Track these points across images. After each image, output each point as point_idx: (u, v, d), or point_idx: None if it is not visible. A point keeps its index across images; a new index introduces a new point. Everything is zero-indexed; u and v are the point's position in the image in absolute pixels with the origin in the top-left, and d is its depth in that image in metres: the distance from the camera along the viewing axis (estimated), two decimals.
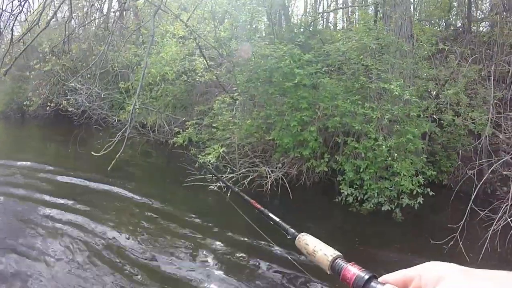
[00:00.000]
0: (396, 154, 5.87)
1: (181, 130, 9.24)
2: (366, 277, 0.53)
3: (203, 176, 7.08)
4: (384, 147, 5.80)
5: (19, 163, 9.63)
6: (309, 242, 0.67)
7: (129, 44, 13.20)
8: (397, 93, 5.87)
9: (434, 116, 7.22)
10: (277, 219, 0.85)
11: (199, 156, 7.64)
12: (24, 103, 15.88)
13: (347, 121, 6.30)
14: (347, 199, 6.25)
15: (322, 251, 0.64)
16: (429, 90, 7.57)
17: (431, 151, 7.16)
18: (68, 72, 14.41)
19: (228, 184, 6.00)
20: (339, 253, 0.62)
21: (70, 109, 13.21)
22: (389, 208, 5.92)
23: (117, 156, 5.74)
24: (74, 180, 8.18)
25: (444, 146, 7.33)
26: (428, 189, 5.82)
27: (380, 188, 6.01)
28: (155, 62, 11.22)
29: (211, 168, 7.24)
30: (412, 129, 6.01)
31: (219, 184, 6.76)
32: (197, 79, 10.55)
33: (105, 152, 5.66)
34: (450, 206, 6.28)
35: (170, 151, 9.95)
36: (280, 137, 6.80)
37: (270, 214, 0.89)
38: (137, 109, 11.55)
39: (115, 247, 5.22)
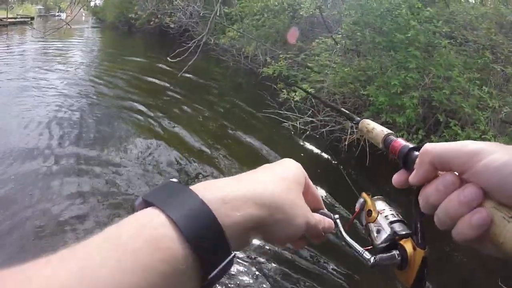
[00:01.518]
0: None
1: (273, 62, 8.94)
2: (411, 146, 0.56)
3: (282, 112, 6.96)
4: None
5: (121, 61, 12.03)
6: (370, 123, 0.72)
7: None
8: None
9: None
10: (346, 111, 0.93)
11: (284, 90, 7.35)
12: (130, 15, 16.79)
13: (456, 100, 5.47)
14: None
15: (379, 128, 0.68)
16: None
17: None
18: None
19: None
20: (392, 132, 0.65)
21: (172, 25, 13.75)
22: None
23: (189, 63, 6.91)
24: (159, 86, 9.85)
25: None
26: None
27: None
28: None
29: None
30: None
31: (294, 124, 6.57)
32: (301, 13, 9.97)
33: (179, 58, 6.68)
34: None
35: (259, 81, 9.81)
36: (376, 95, 6.19)
37: (342, 109, 0.97)
38: (234, 33, 11.62)
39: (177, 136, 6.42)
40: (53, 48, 14.99)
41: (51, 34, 10.73)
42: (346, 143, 6.37)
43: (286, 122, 6.76)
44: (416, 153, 0.52)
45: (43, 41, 15.09)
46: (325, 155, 6.38)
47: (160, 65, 11.66)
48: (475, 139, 5.15)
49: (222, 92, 10.10)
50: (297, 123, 6.68)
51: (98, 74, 10.71)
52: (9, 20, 29.64)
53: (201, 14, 12.26)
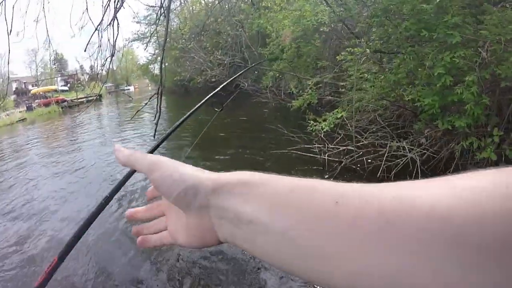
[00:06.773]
0: None
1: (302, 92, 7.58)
2: None
3: (309, 146, 5.52)
4: None
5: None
6: None
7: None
8: None
9: None
10: None
11: (310, 122, 5.88)
12: (175, 78, 20.27)
13: None
14: None
15: None
16: None
17: None
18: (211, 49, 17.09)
19: None
20: None
21: (213, 80, 14.88)
22: None
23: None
24: None
25: None
26: None
27: None
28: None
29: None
30: None
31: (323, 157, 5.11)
32: (321, 29, 8.57)
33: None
34: None
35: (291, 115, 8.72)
36: (422, 96, 4.44)
37: None
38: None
39: None
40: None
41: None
42: (396, 170, 4.58)
43: (316, 156, 5.25)
44: None
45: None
46: None
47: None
48: None
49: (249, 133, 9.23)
50: (325, 156, 5.10)
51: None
52: (79, 100, 33.98)
53: (225, 62, 13.74)
